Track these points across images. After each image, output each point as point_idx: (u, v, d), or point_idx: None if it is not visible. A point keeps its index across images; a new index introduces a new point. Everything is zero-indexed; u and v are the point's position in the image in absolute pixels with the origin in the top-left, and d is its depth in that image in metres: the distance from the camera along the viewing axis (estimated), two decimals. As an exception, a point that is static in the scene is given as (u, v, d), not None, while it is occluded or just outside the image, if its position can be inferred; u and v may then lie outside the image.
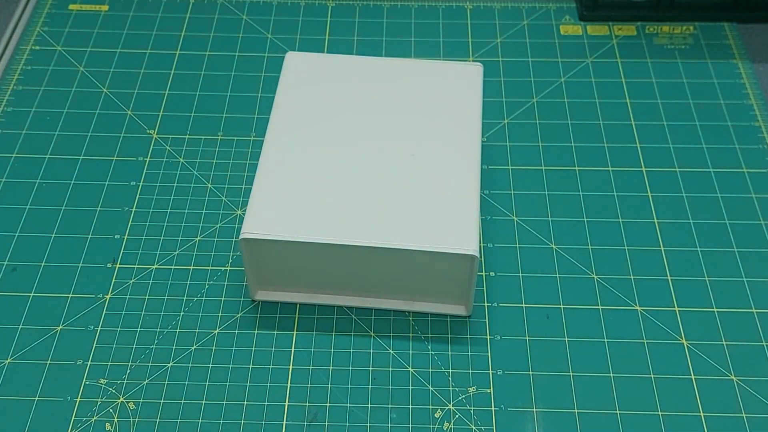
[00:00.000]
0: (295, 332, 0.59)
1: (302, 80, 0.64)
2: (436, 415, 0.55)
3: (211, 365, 0.57)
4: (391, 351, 0.58)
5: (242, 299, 0.61)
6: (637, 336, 0.59)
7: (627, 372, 0.57)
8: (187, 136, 0.71)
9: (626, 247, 0.64)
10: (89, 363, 0.57)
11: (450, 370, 0.57)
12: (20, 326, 0.59)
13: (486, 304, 0.60)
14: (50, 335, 0.59)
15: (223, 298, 0.61)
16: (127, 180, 0.68)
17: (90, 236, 0.64)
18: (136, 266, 0.62)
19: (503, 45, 0.79)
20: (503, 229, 0.64)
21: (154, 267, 0.62)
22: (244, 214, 0.57)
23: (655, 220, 0.65)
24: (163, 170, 0.68)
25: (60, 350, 0.58)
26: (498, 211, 0.65)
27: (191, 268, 0.62)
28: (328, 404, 0.55)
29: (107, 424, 0.54)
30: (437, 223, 0.55)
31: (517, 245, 0.64)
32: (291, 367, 0.57)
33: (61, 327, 0.59)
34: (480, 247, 0.56)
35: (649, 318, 0.60)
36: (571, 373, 0.57)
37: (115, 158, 0.69)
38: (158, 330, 0.59)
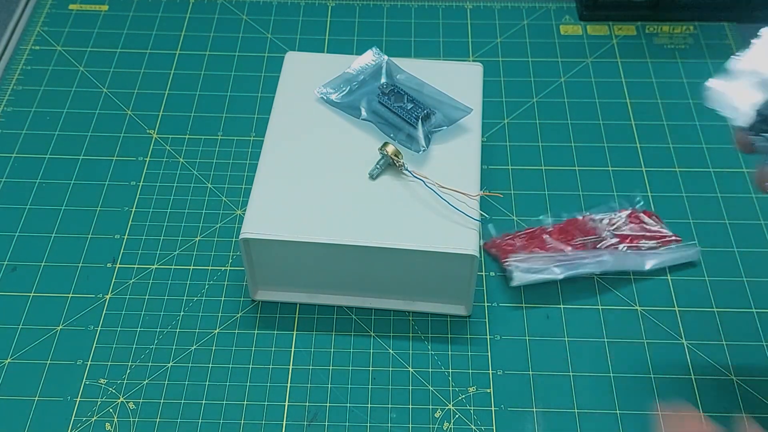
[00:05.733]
0: (295, 332, 0.59)
1: (302, 80, 0.64)
2: (436, 415, 0.55)
3: (211, 365, 0.57)
4: (391, 351, 0.58)
5: (242, 299, 0.61)
6: (637, 336, 0.59)
7: (627, 372, 0.57)
8: (187, 136, 0.71)
9: (626, 247, 0.64)
10: (89, 363, 0.57)
11: (450, 370, 0.57)
12: (20, 326, 0.59)
13: (486, 304, 0.60)
14: (50, 335, 0.59)
15: (223, 298, 0.61)
16: (127, 180, 0.68)
17: (90, 236, 0.64)
18: (136, 266, 0.62)
19: (503, 45, 0.79)
20: (503, 229, 0.64)
21: (154, 267, 0.62)
22: (244, 214, 0.57)
23: (655, 220, 0.65)
24: (163, 170, 0.68)
25: (60, 350, 0.58)
26: (498, 211, 0.65)
27: (191, 268, 0.62)
28: (328, 404, 0.55)
29: (107, 424, 0.54)
30: (437, 223, 0.55)
31: (517, 245, 0.64)
32: (291, 367, 0.57)
33: (61, 327, 0.59)
34: (480, 247, 0.56)
35: (649, 318, 0.60)
36: (571, 373, 0.57)
37: (115, 158, 0.69)
38: (158, 330, 0.59)
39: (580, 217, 0.63)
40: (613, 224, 0.62)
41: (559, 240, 0.61)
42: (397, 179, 0.58)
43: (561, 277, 0.60)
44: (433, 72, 0.64)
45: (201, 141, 0.71)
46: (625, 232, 0.62)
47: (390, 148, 0.57)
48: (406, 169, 0.57)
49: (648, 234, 0.62)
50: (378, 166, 0.58)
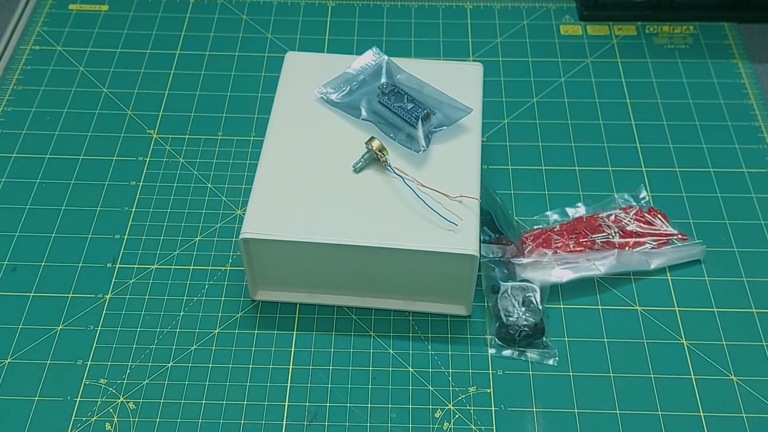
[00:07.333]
0: (295, 332, 0.59)
1: (302, 80, 0.64)
2: (436, 415, 0.55)
3: (211, 365, 0.57)
4: (391, 351, 0.58)
5: (242, 299, 0.61)
6: (637, 336, 0.59)
7: (627, 372, 0.57)
8: (187, 136, 0.71)
9: (626, 247, 0.64)
10: (89, 363, 0.57)
11: (450, 370, 0.57)
12: (20, 326, 0.59)
13: (486, 304, 0.60)
14: (50, 335, 0.59)
15: (223, 298, 0.61)
16: (127, 180, 0.68)
17: (90, 236, 0.64)
18: (136, 266, 0.62)
19: (503, 45, 0.79)
20: (503, 229, 0.64)
21: (154, 267, 0.62)
22: (244, 214, 0.57)
23: (655, 220, 0.65)
24: (163, 170, 0.68)
25: (60, 350, 0.58)
26: (498, 211, 0.65)
27: (191, 268, 0.62)
28: (328, 404, 0.55)
29: (107, 424, 0.54)
30: (438, 223, 0.55)
31: (517, 245, 0.64)
32: (291, 367, 0.57)
33: (61, 327, 0.59)
34: (480, 247, 0.56)
35: (649, 318, 0.60)
36: (571, 373, 0.57)
37: (115, 158, 0.69)
38: (158, 330, 0.59)
39: (587, 216, 0.64)
40: (620, 222, 0.62)
41: (567, 239, 0.61)
42: (397, 179, 0.58)
43: (565, 280, 0.60)
44: (433, 72, 0.64)
45: (201, 141, 0.71)
46: (631, 230, 0.62)
47: (375, 143, 0.57)
48: (389, 166, 0.57)
49: (654, 232, 0.62)
50: (362, 160, 0.58)
